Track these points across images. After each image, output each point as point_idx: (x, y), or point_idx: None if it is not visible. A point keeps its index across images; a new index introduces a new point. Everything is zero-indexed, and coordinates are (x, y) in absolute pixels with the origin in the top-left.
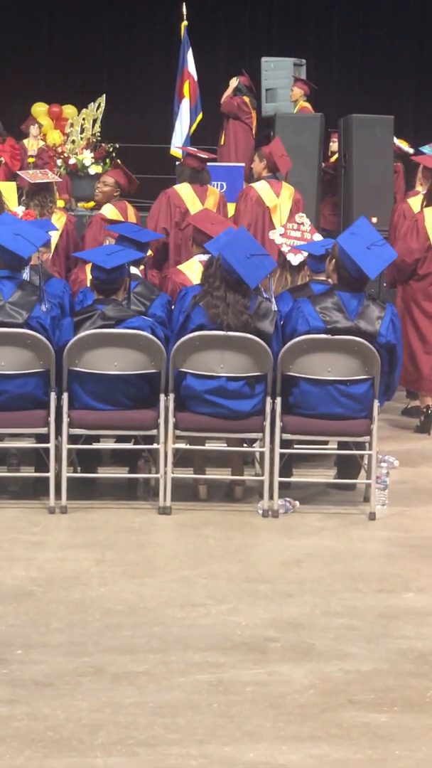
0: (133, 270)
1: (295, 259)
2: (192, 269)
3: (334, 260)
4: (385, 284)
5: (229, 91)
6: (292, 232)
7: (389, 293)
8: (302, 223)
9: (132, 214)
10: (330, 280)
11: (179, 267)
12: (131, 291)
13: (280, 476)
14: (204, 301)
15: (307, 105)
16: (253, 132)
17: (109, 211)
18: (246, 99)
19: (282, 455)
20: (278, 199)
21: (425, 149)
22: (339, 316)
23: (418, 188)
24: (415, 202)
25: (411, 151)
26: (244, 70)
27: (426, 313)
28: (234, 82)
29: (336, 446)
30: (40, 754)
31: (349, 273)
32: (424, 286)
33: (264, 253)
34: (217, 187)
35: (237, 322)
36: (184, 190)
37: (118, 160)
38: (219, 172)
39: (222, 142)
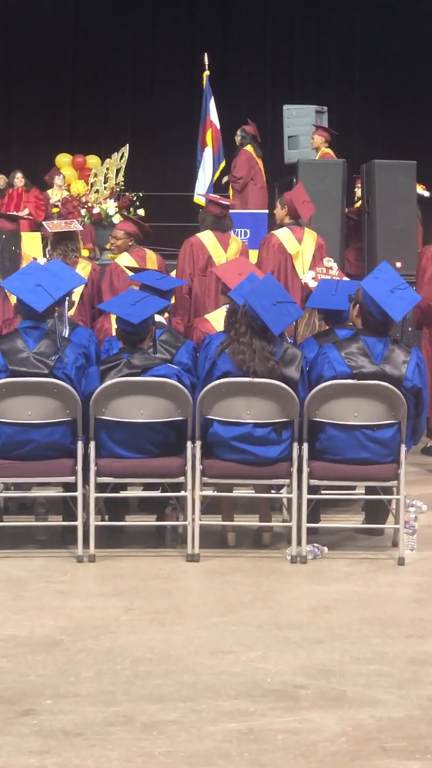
0: (158, 318)
1: (312, 283)
2: (219, 319)
3: (357, 305)
4: (410, 328)
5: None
6: (321, 276)
7: (414, 336)
8: (330, 267)
9: (154, 261)
10: (354, 325)
11: (206, 316)
12: (157, 339)
13: (308, 522)
14: (230, 347)
15: (329, 151)
16: (264, 178)
17: (126, 260)
18: (250, 148)
19: (309, 501)
20: (300, 246)
21: None
22: (365, 361)
23: None
24: None
25: (427, 194)
26: (249, 119)
27: None
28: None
29: (363, 491)
30: None
31: (374, 317)
32: None
33: (290, 300)
34: (240, 233)
35: (263, 368)
36: (206, 237)
37: (125, 212)
38: (242, 219)
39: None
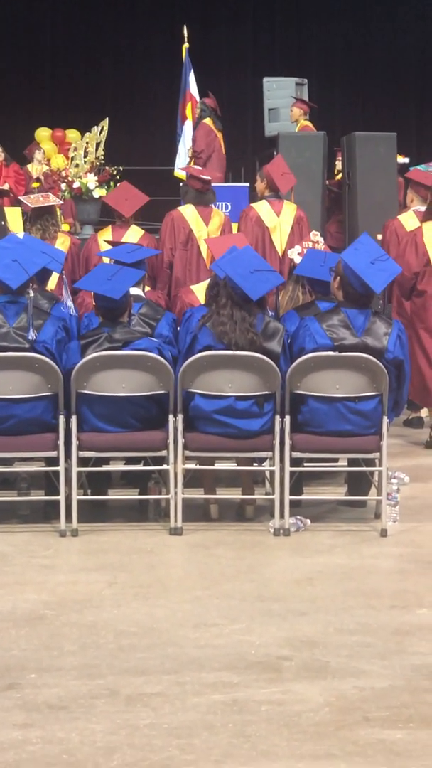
0: (137, 291)
1: (298, 258)
2: (204, 291)
3: (338, 278)
4: (381, 301)
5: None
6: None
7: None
8: (317, 242)
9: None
10: (336, 298)
11: (192, 287)
12: (136, 312)
13: (291, 494)
14: (211, 320)
15: (308, 124)
16: (223, 151)
17: (107, 235)
18: (209, 122)
19: (292, 473)
20: (278, 218)
21: (421, 167)
22: (346, 333)
23: (409, 204)
24: (405, 219)
25: (406, 161)
26: (209, 92)
27: (429, 330)
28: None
29: (346, 463)
30: None
31: (355, 289)
32: (424, 301)
33: (269, 269)
34: (222, 207)
35: (244, 340)
36: (188, 211)
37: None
38: (223, 192)
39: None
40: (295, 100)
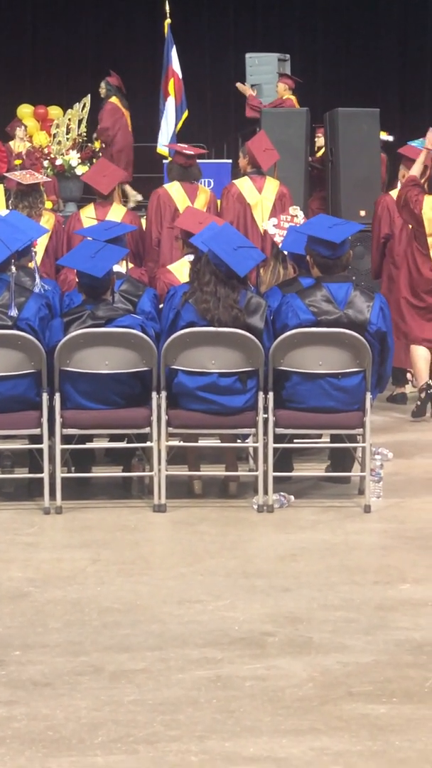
0: (118, 267)
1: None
2: (181, 270)
3: (309, 256)
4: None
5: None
6: (285, 224)
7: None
8: (296, 216)
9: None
10: (314, 276)
11: (169, 267)
12: (117, 290)
13: (280, 471)
14: (194, 297)
15: (292, 98)
16: (130, 129)
17: (89, 212)
18: (115, 100)
19: (275, 450)
20: (260, 195)
21: (415, 143)
22: (328, 307)
23: (400, 179)
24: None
25: (390, 138)
26: (111, 71)
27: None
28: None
29: (329, 440)
30: (40, 755)
31: (323, 256)
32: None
33: (251, 245)
34: (204, 183)
35: (227, 317)
36: (173, 189)
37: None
38: (206, 168)
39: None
40: (279, 76)
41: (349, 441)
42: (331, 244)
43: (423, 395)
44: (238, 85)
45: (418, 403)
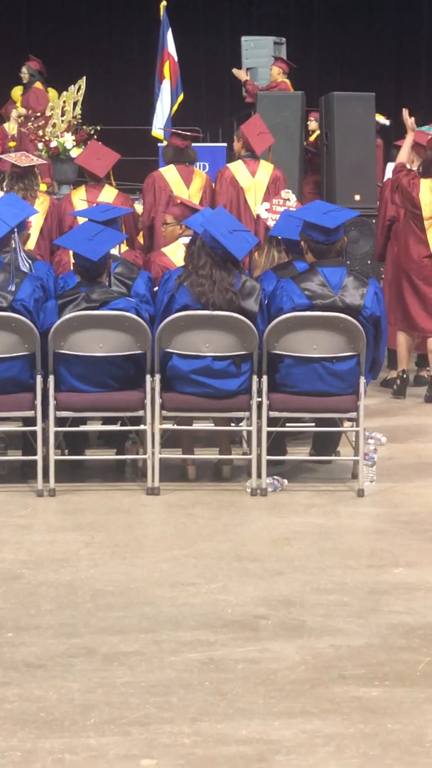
0: (112, 250)
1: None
2: (176, 253)
3: (302, 241)
4: (369, 261)
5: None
6: (277, 207)
7: (373, 271)
8: (288, 199)
9: (110, 198)
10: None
11: (163, 249)
12: (112, 272)
13: (274, 454)
14: (189, 280)
15: (286, 81)
16: None
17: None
18: (40, 84)
19: (269, 433)
20: (254, 179)
21: (426, 128)
22: (323, 291)
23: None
24: None
25: (387, 122)
26: (31, 55)
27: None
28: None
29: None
30: (33, 736)
31: (316, 241)
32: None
33: (244, 229)
34: (199, 167)
35: (222, 300)
36: (169, 173)
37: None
38: (201, 152)
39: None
40: (274, 60)
41: (334, 424)
42: (325, 230)
43: (399, 382)
44: (235, 70)
45: (395, 387)
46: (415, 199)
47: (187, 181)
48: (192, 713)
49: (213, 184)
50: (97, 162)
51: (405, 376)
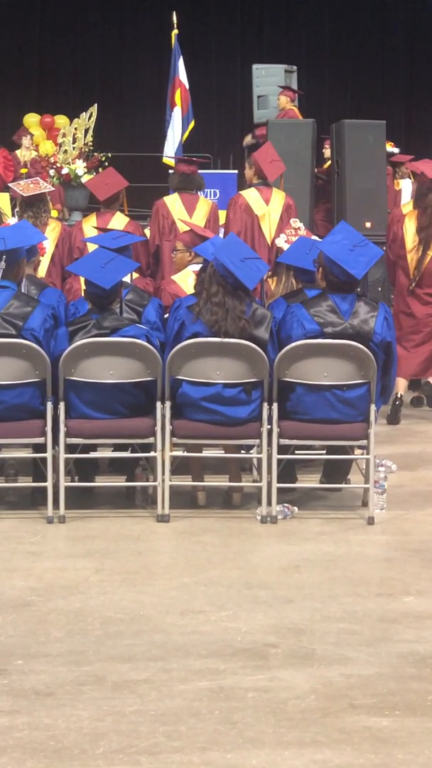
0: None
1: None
2: (186, 280)
3: (320, 268)
4: (379, 288)
5: None
6: (292, 238)
7: (382, 296)
8: (299, 228)
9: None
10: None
11: (173, 277)
12: (123, 299)
13: (284, 482)
14: (202, 308)
15: (294, 108)
16: None
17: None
18: None
19: (279, 461)
20: (267, 206)
21: None
22: (333, 318)
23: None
24: (408, 209)
25: (396, 150)
26: None
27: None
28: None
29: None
30: (42, 765)
31: (337, 277)
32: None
33: (256, 256)
34: (210, 194)
35: (235, 329)
36: (172, 200)
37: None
38: (212, 179)
39: None
40: (281, 89)
41: (345, 452)
42: (350, 275)
43: (392, 408)
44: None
45: (388, 413)
46: (400, 236)
47: (191, 209)
48: (201, 742)
49: (220, 212)
50: (104, 186)
51: (399, 403)
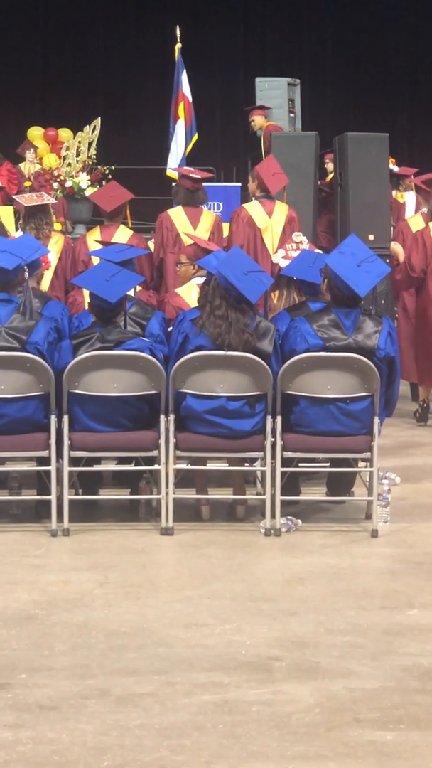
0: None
1: (283, 262)
2: (190, 294)
3: (326, 280)
4: (383, 301)
5: None
6: (292, 253)
7: (386, 309)
8: (300, 242)
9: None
10: (325, 299)
11: (177, 290)
12: (126, 312)
13: (288, 494)
14: (206, 321)
15: (272, 123)
16: None
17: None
18: None
19: (283, 474)
20: (270, 219)
21: None
22: (336, 333)
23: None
24: (413, 221)
25: (396, 168)
26: None
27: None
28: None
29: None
30: None
31: (342, 291)
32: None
33: (260, 269)
34: (213, 207)
35: (238, 341)
36: (176, 213)
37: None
38: (215, 192)
39: None
40: (250, 111)
41: (350, 464)
42: (353, 292)
43: (420, 410)
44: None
45: (417, 414)
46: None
47: (194, 222)
48: (206, 756)
49: (224, 225)
50: (108, 198)
51: (426, 405)
